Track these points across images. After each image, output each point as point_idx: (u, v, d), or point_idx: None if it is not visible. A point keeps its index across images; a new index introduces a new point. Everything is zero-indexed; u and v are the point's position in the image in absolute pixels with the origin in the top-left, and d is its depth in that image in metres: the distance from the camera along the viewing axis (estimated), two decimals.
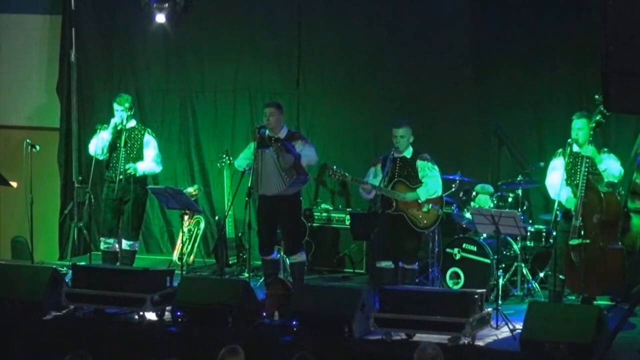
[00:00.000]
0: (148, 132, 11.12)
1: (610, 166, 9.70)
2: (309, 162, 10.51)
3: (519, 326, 8.81)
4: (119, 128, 10.92)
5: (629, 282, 9.79)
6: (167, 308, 9.49)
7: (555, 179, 9.86)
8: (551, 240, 10.50)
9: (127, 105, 10.96)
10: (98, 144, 10.93)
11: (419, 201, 10.11)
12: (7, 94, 13.15)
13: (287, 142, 10.35)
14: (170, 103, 12.95)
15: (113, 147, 10.97)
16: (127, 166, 10.85)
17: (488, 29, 11.74)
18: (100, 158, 10.96)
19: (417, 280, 10.55)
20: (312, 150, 10.46)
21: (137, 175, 10.92)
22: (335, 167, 10.34)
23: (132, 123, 11.02)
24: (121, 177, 10.78)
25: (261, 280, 10.79)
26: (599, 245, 9.58)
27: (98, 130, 10.99)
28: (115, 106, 10.97)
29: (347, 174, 10.24)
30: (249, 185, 10.28)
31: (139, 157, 11.00)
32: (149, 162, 11.04)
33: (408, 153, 10.26)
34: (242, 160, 10.58)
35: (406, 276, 10.19)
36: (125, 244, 11.04)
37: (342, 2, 12.30)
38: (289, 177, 10.20)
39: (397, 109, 11.77)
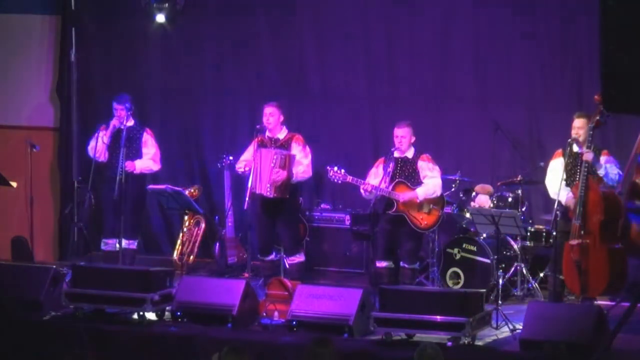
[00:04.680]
0: (146, 131, 11.14)
1: (609, 171, 9.71)
2: (299, 180, 10.53)
3: (519, 326, 8.81)
4: (118, 128, 10.94)
5: (629, 282, 9.79)
6: (167, 308, 9.49)
7: (555, 179, 9.86)
8: (551, 240, 10.50)
9: (127, 105, 10.98)
10: (98, 147, 10.93)
11: (417, 200, 10.11)
12: (7, 94, 13.14)
13: (284, 148, 10.36)
14: (170, 103, 12.95)
15: (112, 146, 10.98)
16: (126, 164, 10.85)
17: (488, 29, 11.74)
18: (100, 160, 10.98)
19: (417, 280, 10.55)
20: (307, 161, 10.46)
21: (136, 173, 10.93)
22: (335, 167, 10.35)
23: (131, 122, 11.03)
24: (121, 176, 10.79)
25: (261, 280, 10.79)
26: (599, 245, 9.57)
27: (100, 133, 10.99)
28: (115, 105, 10.99)
29: (347, 174, 10.24)
30: (249, 185, 10.29)
31: (138, 155, 11.02)
32: (147, 160, 11.05)
33: (410, 153, 10.28)
34: (242, 163, 10.60)
35: (406, 276, 10.20)
36: (124, 243, 11.05)
37: (342, 2, 12.30)
38: (271, 190, 10.22)
39: (397, 108, 11.78)
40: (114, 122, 10.98)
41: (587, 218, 9.59)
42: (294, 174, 10.39)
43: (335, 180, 10.33)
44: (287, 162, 10.33)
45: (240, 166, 10.61)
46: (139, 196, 11.10)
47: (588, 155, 9.62)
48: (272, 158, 10.27)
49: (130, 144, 10.95)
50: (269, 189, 10.27)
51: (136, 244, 11.26)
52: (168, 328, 9.29)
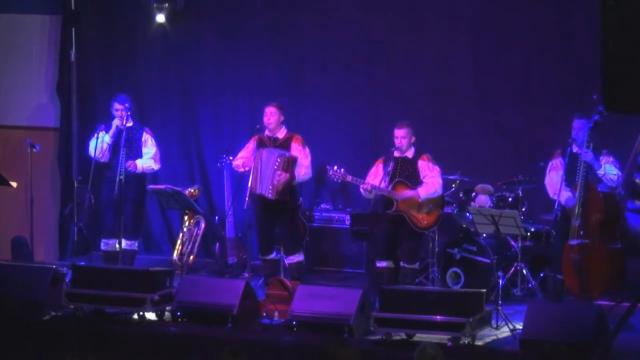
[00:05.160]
0: (146, 131, 11.15)
1: (608, 172, 9.71)
2: (299, 181, 10.53)
3: (519, 326, 8.82)
4: (120, 129, 10.96)
5: (629, 282, 9.79)
6: (167, 308, 9.49)
7: (555, 179, 9.87)
8: (551, 240, 10.50)
9: (127, 105, 10.99)
10: (100, 147, 10.93)
11: (419, 199, 10.11)
12: (7, 94, 13.14)
13: (283, 148, 10.36)
14: (170, 103, 12.96)
15: (113, 147, 10.98)
16: (127, 163, 10.86)
17: (488, 29, 11.74)
18: (102, 161, 10.99)
19: (417, 280, 10.55)
20: (308, 162, 10.45)
21: (136, 172, 10.94)
22: (335, 167, 10.34)
23: (130, 122, 11.05)
24: (121, 177, 10.79)
25: (261, 280, 10.79)
26: (599, 245, 9.58)
27: (99, 134, 11.00)
28: (116, 105, 11.00)
29: (347, 174, 10.24)
30: (249, 185, 10.29)
31: (138, 155, 11.03)
32: (148, 159, 11.06)
33: (410, 153, 10.28)
34: (240, 160, 10.60)
35: (407, 276, 10.19)
36: (125, 243, 11.05)
37: (342, 3, 12.30)
38: (273, 192, 10.22)
39: (397, 109, 11.78)
40: (117, 123, 10.98)
41: (587, 218, 9.59)
42: (296, 175, 10.39)
43: (335, 180, 10.35)
44: (290, 165, 10.33)
45: (237, 164, 10.61)
46: (139, 196, 11.11)
47: (587, 156, 9.62)
48: (276, 161, 10.25)
49: (130, 144, 10.96)
50: (270, 191, 10.26)
51: (136, 244, 11.26)
52: (168, 328, 9.29)
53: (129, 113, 10.99)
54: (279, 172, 10.25)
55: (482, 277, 10.48)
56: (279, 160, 10.28)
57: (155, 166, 11.20)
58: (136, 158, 10.99)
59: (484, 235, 10.66)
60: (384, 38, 12.14)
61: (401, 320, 8.76)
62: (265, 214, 10.50)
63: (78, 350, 6.82)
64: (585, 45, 11.15)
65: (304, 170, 10.44)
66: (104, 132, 11.00)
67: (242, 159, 10.60)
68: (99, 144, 10.96)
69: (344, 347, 6.47)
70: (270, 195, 10.27)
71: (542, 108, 11.61)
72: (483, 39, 11.79)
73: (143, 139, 11.08)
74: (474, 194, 11.05)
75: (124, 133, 10.94)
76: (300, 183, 10.67)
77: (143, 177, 11.15)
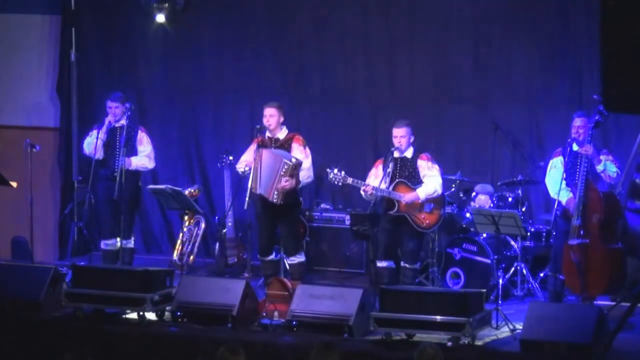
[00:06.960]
0: (141, 129, 11.15)
1: (608, 168, 9.71)
2: (303, 185, 10.52)
3: (519, 326, 8.82)
4: (113, 126, 10.95)
5: (629, 282, 9.80)
6: (167, 308, 9.49)
7: (555, 178, 9.86)
8: (551, 240, 10.50)
9: (127, 104, 10.98)
10: (93, 143, 10.92)
11: (419, 200, 10.10)
12: (7, 94, 13.14)
13: (284, 148, 10.34)
14: (170, 103, 12.95)
15: (108, 145, 10.99)
16: (120, 159, 10.85)
17: (488, 28, 11.74)
18: (95, 157, 10.97)
19: (417, 280, 10.55)
20: (309, 164, 10.40)
21: (129, 169, 10.91)
22: (335, 169, 10.31)
23: (125, 121, 11.03)
24: (116, 174, 10.79)
25: (261, 280, 10.79)
26: (599, 245, 9.58)
27: (93, 132, 11.01)
28: (109, 103, 11.00)
29: (347, 176, 10.21)
30: (249, 185, 10.28)
31: (134, 154, 11.03)
32: (143, 157, 11.06)
33: (409, 153, 10.26)
34: (242, 163, 10.57)
35: (407, 276, 10.19)
36: (123, 242, 11.05)
37: (342, 2, 12.30)
38: (277, 196, 10.19)
39: (397, 109, 11.77)
40: (110, 119, 10.97)
41: (587, 218, 9.59)
42: (300, 180, 10.36)
43: (336, 183, 10.31)
44: (296, 170, 10.27)
45: (240, 166, 10.58)
46: (135, 195, 11.10)
47: (588, 148, 9.60)
48: (282, 166, 10.17)
49: (126, 143, 10.97)
50: (276, 196, 10.21)
51: (133, 242, 11.25)
52: (168, 328, 9.30)
53: (128, 113, 10.98)
54: (285, 178, 10.18)
55: (482, 277, 10.48)
56: (286, 166, 10.20)
57: (150, 164, 11.19)
58: (131, 156, 11.00)
59: (484, 235, 10.66)
60: (384, 38, 12.13)
61: (401, 320, 8.76)
62: (265, 214, 10.47)
63: (77, 350, 6.83)
64: (586, 45, 11.15)
65: (305, 172, 10.39)
66: (96, 130, 11.01)
67: (244, 162, 10.55)
68: (92, 140, 10.95)
69: (332, 349, 6.49)
70: (275, 199, 10.20)
71: (542, 108, 11.61)
72: (483, 39, 11.78)
73: (138, 137, 11.08)
74: (474, 194, 11.06)
75: (121, 132, 10.95)
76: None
77: (137, 175, 11.14)
